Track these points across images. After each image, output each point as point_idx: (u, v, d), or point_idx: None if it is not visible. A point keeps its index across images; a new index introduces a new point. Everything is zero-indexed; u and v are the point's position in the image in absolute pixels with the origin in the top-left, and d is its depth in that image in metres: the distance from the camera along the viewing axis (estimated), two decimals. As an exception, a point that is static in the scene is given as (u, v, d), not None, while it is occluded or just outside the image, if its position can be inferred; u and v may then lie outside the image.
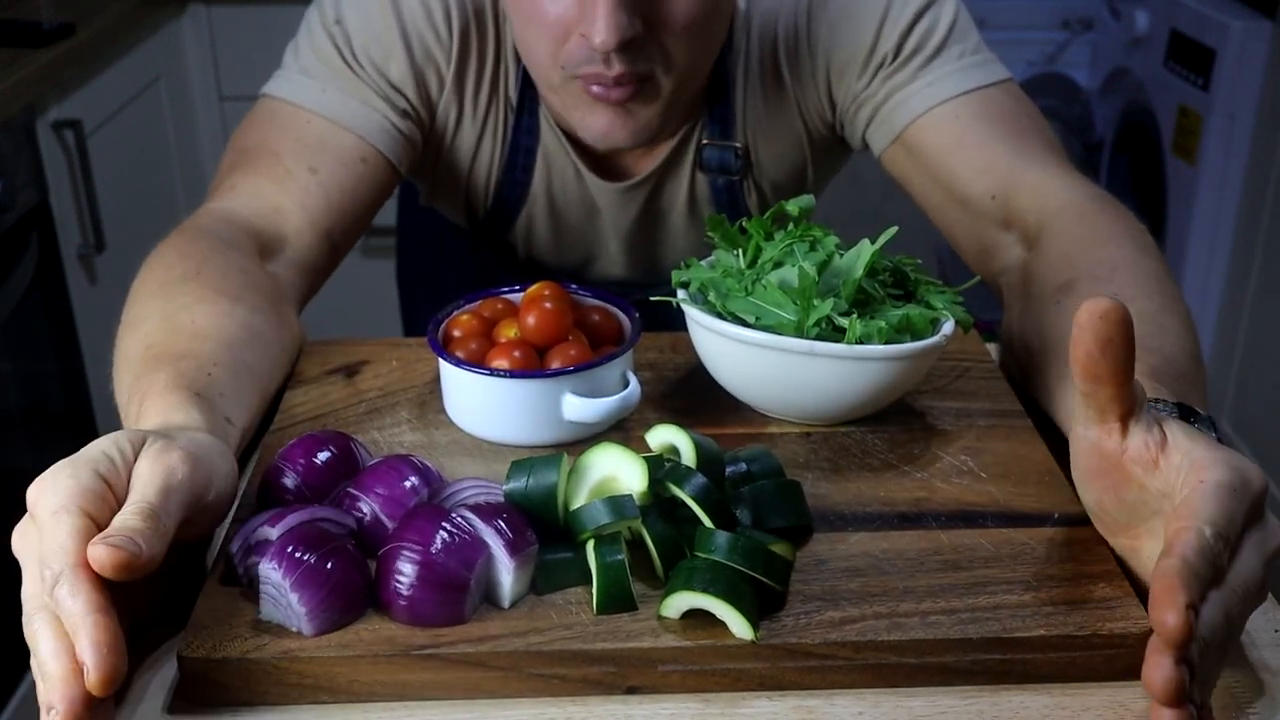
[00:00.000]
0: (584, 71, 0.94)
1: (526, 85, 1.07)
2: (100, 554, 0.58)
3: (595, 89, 0.95)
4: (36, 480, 0.63)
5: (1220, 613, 0.60)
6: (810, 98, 1.09)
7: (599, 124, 0.99)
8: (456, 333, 0.87)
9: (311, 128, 1.01)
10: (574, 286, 0.90)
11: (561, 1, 0.93)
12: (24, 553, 0.62)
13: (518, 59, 1.06)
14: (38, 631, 0.59)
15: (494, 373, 0.81)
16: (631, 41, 0.91)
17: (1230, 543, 0.61)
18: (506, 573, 0.66)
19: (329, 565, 0.65)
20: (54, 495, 0.61)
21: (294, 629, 0.65)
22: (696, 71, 1.01)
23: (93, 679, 0.57)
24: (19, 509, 0.63)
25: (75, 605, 0.58)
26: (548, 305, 0.84)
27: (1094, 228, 0.92)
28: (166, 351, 0.80)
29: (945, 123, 1.02)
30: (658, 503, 0.71)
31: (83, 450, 0.65)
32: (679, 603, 0.65)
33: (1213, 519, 0.60)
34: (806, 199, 0.88)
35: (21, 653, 0.60)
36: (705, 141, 1.10)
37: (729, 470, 0.75)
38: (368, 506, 0.71)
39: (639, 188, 1.12)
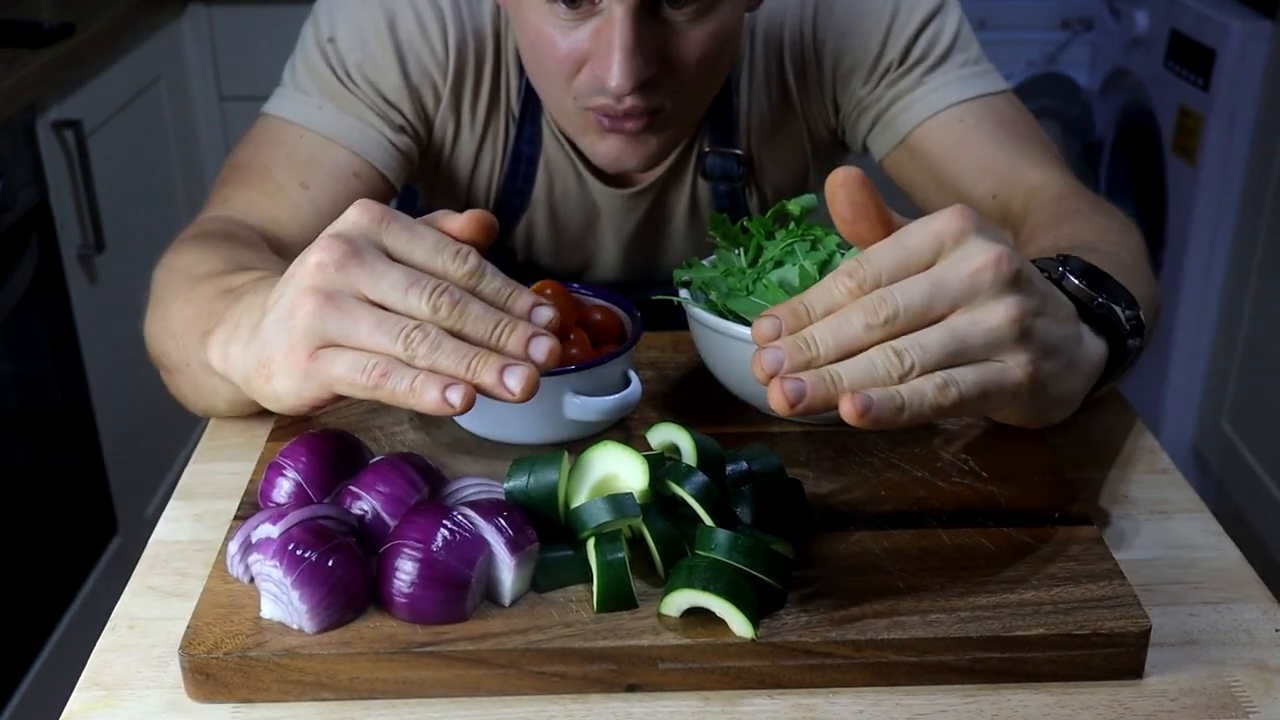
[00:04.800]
0: (595, 103, 0.94)
1: (529, 95, 1.07)
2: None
3: (607, 121, 0.95)
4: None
5: (842, 320, 0.61)
6: (815, 103, 1.10)
7: (610, 151, 0.99)
8: (457, 331, 0.87)
9: (304, 143, 1.01)
10: (575, 285, 0.90)
11: (573, 37, 0.92)
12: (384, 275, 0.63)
13: (520, 70, 1.06)
14: (468, 308, 0.62)
15: (495, 371, 0.81)
16: (646, 82, 0.92)
17: (868, 270, 0.62)
18: (507, 570, 0.66)
19: (330, 563, 0.65)
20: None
21: (295, 626, 0.65)
22: (707, 99, 1.01)
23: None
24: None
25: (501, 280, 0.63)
26: (549, 304, 0.84)
27: (1063, 208, 0.94)
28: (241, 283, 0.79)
29: (949, 127, 1.03)
30: (658, 501, 0.71)
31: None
32: (679, 601, 0.65)
33: (851, 259, 0.62)
34: (808, 198, 0.89)
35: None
36: (707, 149, 1.10)
37: (730, 469, 0.75)
38: (369, 504, 0.71)
39: (642, 195, 1.12)
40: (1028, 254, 0.83)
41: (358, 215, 0.64)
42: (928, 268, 0.63)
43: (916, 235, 0.63)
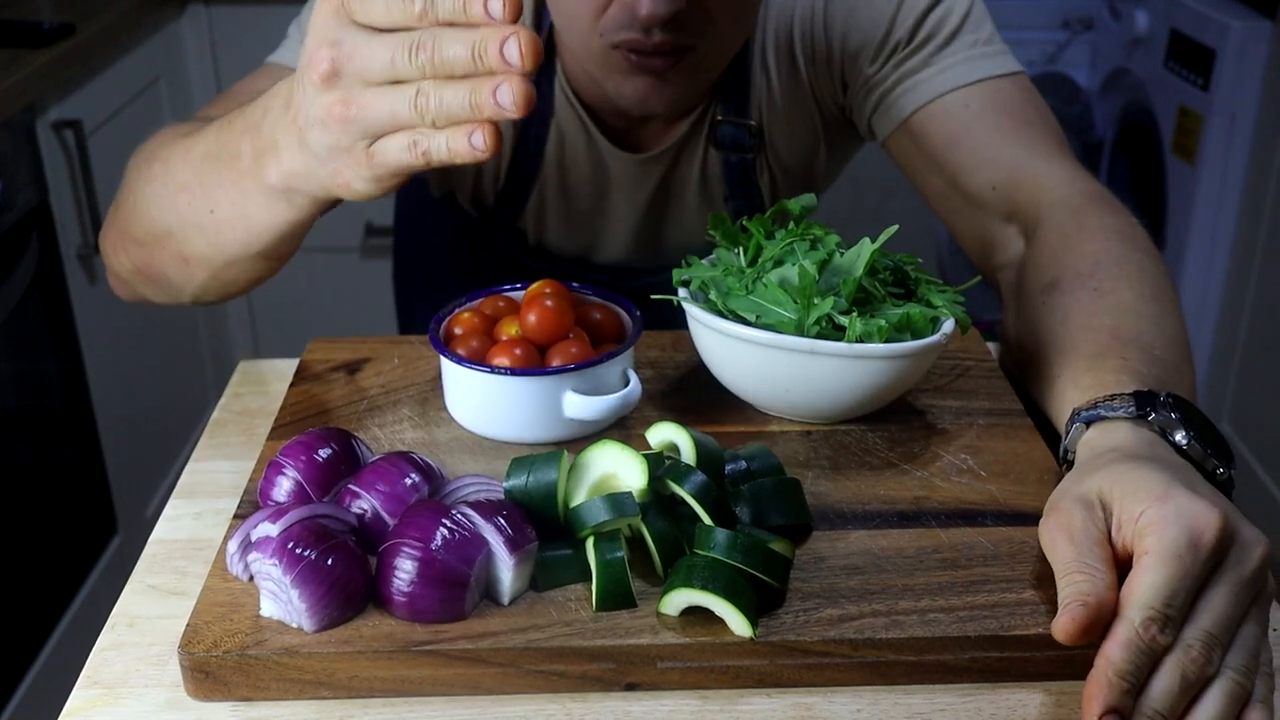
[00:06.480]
0: (623, 38, 0.94)
1: (545, 61, 1.06)
2: None
3: (634, 58, 0.95)
4: None
5: (1175, 678, 0.59)
6: (823, 80, 1.09)
7: (636, 90, 0.98)
8: (458, 330, 0.87)
9: None
10: (576, 285, 0.91)
11: None
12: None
13: (535, 31, 1.06)
14: (441, 52, 0.62)
15: (495, 370, 0.81)
16: (676, 14, 0.91)
17: (1172, 613, 0.60)
18: (506, 569, 0.67)
19: (329, 562, 0.65)
20: None
21: (295, 625, 0.65)
22: (734, 44, 1.01)
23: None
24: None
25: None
26: (549, 303, 0.84)
27: (1081, 224, 0.92)
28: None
29: (951, 111, 1.02)
30: (657, 500, 0.71)
31: None
32: (678, 600, 0.66)
33: (1145, 602, 0.60)
34: (808, 197, 0.89)
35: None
36: (720, 118, 1.10)
37: (729, 468, 0.75)
38: (368, 503, 0.71)
39: (655, 162, 1.12)
40: (1066, 309, 0.85)
41: (322, 14, 0.66)
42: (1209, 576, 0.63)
43: (1190, 559, 0.62)
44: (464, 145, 0.64)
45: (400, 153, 0.66)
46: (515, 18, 0.61)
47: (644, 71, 0.96)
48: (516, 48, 0.61)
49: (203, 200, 0.81)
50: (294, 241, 0.83)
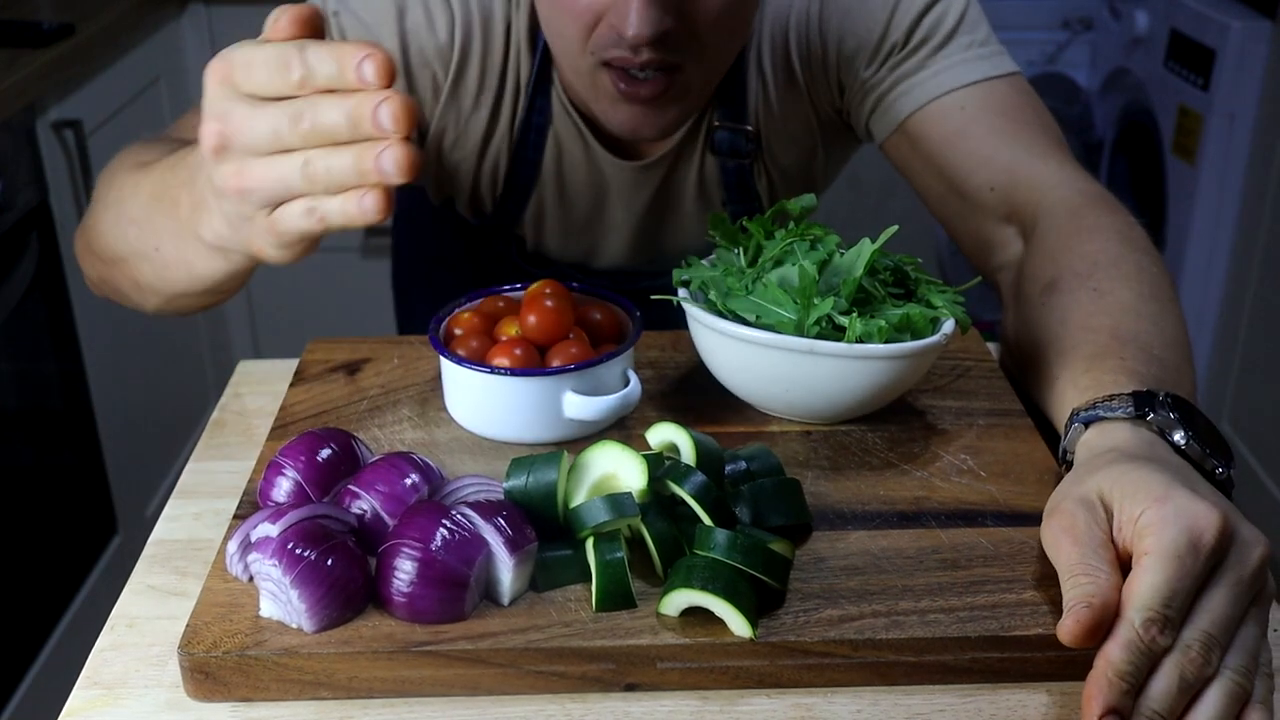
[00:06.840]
0: (612, 56, 0.94)
1: (540, 74, 1.06)
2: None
3: (624, 87, 0.95)
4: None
5: (1174, 679, 0.60)
6: (819, 84, 1.09)
7: (625, 118, 0.98)
8: (458, 331, 0.87)
9: None
10: (575, 284, 0.90)
11: None
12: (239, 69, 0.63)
13: (531, 49, 1.06)
14: (319, 120, 0.61)
15: (495, 370, 0.81)
16: (664, 34, 0.91)
17: (1172, 614, 0.61)
18: (506, 570, 0.67)
19: (329, 562, 0.65)
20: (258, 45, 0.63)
21: (294, 625, 0.65)
22: (723, 64, 1.01)
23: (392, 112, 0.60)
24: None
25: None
26: (549, 303, 0.84)
27: (1079, 224, 0.92)
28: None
29: (948, 113, 1.02)
30: (657, 500, 0.71)
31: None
32: (678, 600, 0.66)
33: (1145, 603, 0.61)
34: (808, 198, 0.89)
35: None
36: (717, 124, 1.10)
37: (729, 468, 0.75)
38: (368, 504, 0.71)
39: (652, 169, 1.12)
40: (1065, 309, 0.85)
41: (211, 87, 0.66)
42: (1208, 577, 0.63)
43: (1190, 560, 0.62)
44: (355, 209, 0.63)
45: (298, 219, 0.66)
46: (388, 81, 0.60)
47: (633, 102, 0.96)
48: (389, 113, 0.60)
49: (150, 237, 0.82)
50: (238, 281, 0.83)
